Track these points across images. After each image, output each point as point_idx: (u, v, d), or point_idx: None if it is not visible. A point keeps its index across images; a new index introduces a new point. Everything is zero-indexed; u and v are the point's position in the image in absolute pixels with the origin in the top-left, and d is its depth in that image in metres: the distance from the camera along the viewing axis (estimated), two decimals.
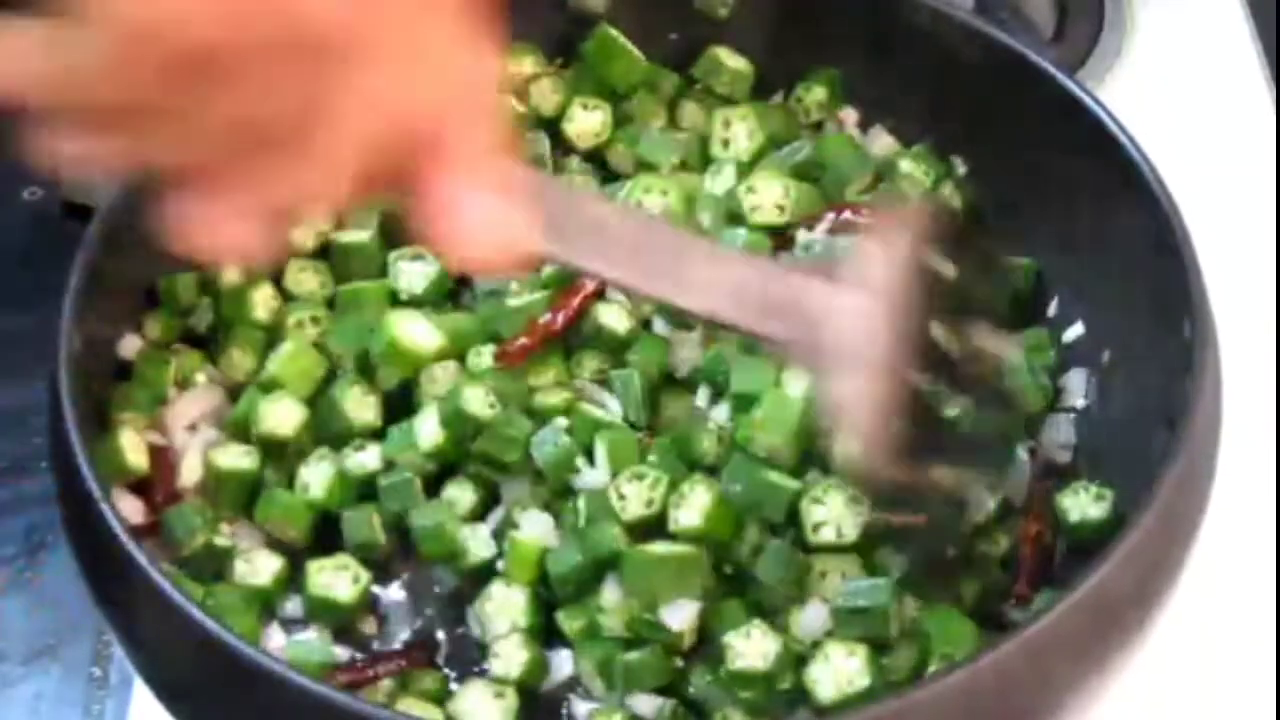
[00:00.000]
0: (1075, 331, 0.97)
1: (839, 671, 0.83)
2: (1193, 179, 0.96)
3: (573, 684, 0.87)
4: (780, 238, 0.98)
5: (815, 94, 1.05)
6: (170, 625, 0.78)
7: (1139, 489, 0.81)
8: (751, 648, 0.84)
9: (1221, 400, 0.87)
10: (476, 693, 0.85)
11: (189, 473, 0.90)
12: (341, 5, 0.58)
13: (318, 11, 0.57)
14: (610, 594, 0.86)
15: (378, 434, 0.92)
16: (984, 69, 0.98)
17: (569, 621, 0.87)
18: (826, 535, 0.87)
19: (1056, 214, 0.97)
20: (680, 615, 0.85)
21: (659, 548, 0.86)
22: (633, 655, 0.85)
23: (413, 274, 0.96)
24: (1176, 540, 0.82)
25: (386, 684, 0.85)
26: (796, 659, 0.84)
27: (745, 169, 1.01)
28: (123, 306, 0.94)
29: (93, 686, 0.94)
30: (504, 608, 0.87)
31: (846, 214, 0.98)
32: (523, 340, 0.93)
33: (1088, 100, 0.94)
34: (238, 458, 0.91)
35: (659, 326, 0.95)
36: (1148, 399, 0.90)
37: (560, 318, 0.93)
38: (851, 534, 0.87)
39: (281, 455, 0.91)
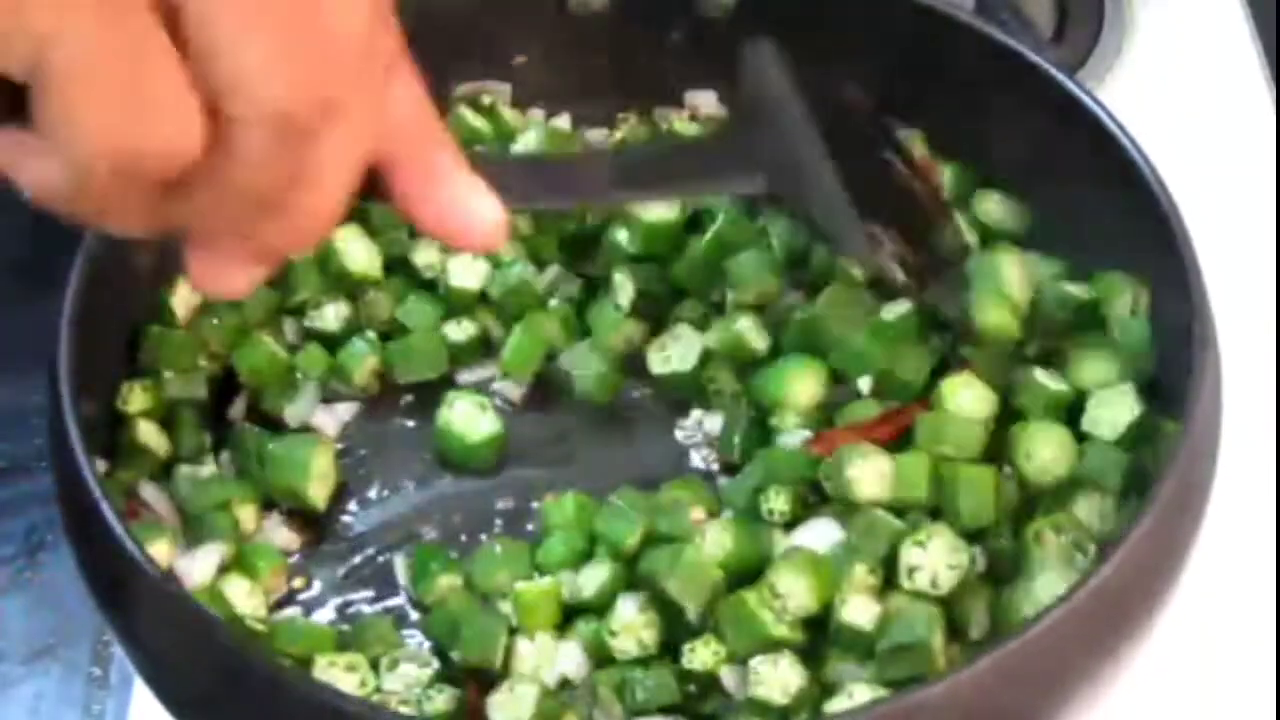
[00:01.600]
0: None
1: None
2: (1193, 179, 0.96)
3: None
4: None
5: None
6: (170, 625, 0.78)
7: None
8: (776, 677, 0.83)
9: (1221, 400, 0.87)
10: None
11: None
12: (307, 85, 0.58)
13: (293, 107, 0.58)
14: (624, 613, 0.86)
15: None
16: (984, 69, 0.98)
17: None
18: (921, 581, 0.85)
19: (1056, 214, 0.97)
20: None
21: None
22: (645, 674, 0.84)
23: None
24: (1176, 540, 0.82)
25: None
26: (820, 693, 0.84)
27: None
28: (124, 307, 0.94)
29: (93, 686, 0.94)
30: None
31: None
32: None
33: (1088, 100, 0.94)
34: None
35: None
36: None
37: None
38: (948, 584, 0.85)
39: None
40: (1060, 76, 0.96)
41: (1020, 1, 1.21)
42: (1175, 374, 0.89)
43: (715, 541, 0.87)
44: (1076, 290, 0.94)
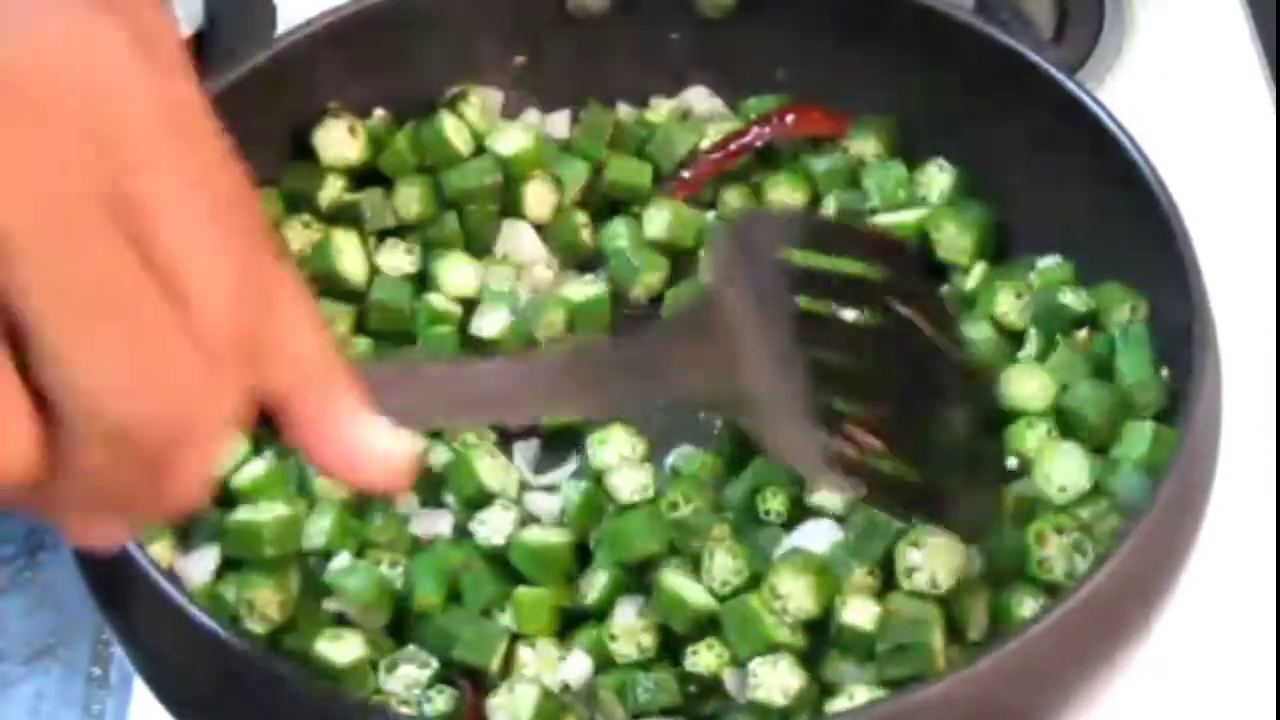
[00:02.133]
0: None
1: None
2: (1193, 179, 0.96)
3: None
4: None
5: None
6: (170, 625, 0.78)
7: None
8: (775, 679, 0.83)
9: (1221, 400, 0.87)
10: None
11: None
12: (150, 401, 0.52)
13: (132, 426, 0.52)
14: (623, 618, 0.86)
15: None
16: (984, 69, 0.98)
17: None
18: (920, 582, 0.85)
19: (1056, 214, 0.97)
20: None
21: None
22: (645, 676, 0.84)
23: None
24: (1176, 540, 0.82)
25: None
26: (820, 692, 0.84)
27: None
28: None
29: (93, 686, 0.94)
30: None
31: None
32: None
33: (1088, 100, 0.94)
34: None
35: None
36: None
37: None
38: (947, 583, 0.85)
39: None
40: (1060, 76, 0.96)
41: (1020, 1, 1.21)
42: (1175, 374, 0.89)
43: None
44: (1075, 301, 0.94)
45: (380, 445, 0.62)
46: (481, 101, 1.04)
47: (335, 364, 0.61)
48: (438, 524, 0.91)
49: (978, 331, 0.94)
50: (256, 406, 0.58)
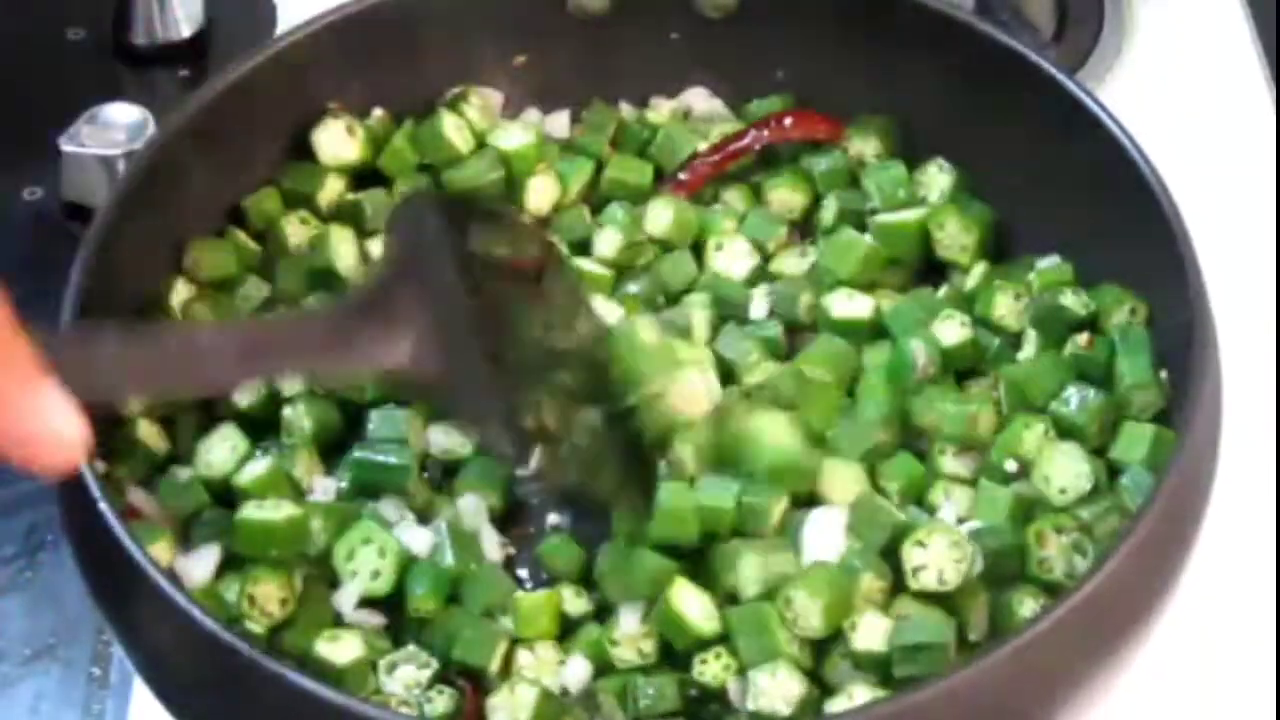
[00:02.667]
0: None
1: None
2: (1193, 179, 0.96)
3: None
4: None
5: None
6: (170, 625, 0.78)
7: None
8: (776, 688, 0.83)
9: (1221, 400, 0.87)
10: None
11: None
12: None
13: None
14: (626, 625, 0.86)
15: None
16: (984, 69, 0.98)
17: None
18: (927, 580, 0.85)
19: (1056, 214, 0.97)
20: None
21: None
22: (646, 682, 0.84)
23: None
24: (1176, 540, 0.82)
25: None
26: (820, 694, 0.84)
27: None
28: (122, 306, 0.94)
29: (93, 686, 0.94)
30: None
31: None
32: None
33: (1088, 100, 0.94)
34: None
35: None
36: None
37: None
38: (954, 581, 0.85)
39: None
40: (1060, 76, 0.96)
41: (1020, 1, 1.21)
42: (1175, 375, 0.89)
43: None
44: (1074, 303, 0.94)
45: (53, 423, 0.63)
46: (481, 101, 1.04)
47: (8, 336, 0.62)
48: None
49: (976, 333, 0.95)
50: None
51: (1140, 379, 0.90)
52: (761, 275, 1.00)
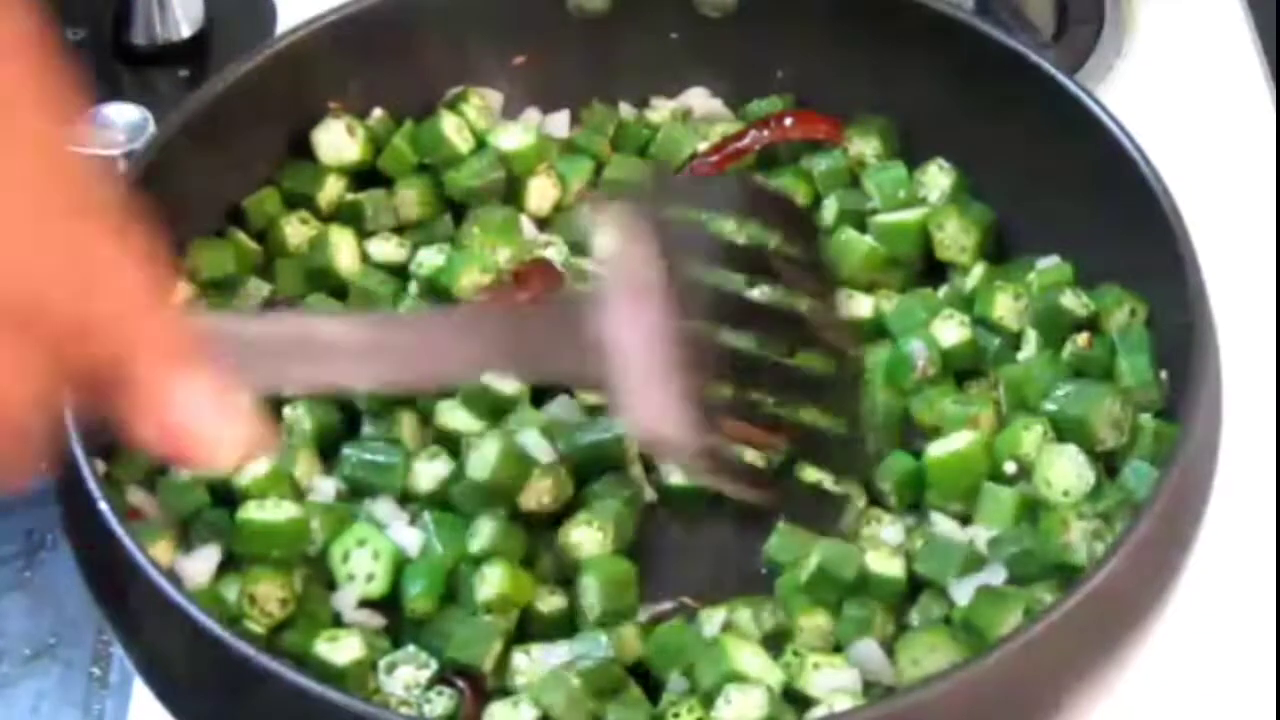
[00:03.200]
0: None
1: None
2: (1193, 179, 0.96)
3: None
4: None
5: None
6: (170, 625, 0.78)
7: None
8: (745, 701, 0.81)
9: (1221, 400, 0.87)
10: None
11: None
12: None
13: None
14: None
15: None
16: (984, 69, 0.99)
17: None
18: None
19: (1056, 214, 0.97)
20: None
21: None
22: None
23: None
24: (1176, 540, 0.82)
25: None
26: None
27: None
28: None
29: (93, 686, 0.94)
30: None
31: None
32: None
33: (1088, 100, 0.94)
34: None
35: None
36: None
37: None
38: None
39: None
40: (1060, 76, 0.96)
41: (1020, 1, 1.21)
42: (1175, 374, 0.89)
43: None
44: (1074, 304, 0.94)
45: (212, 426, 0.61)
46: (481, 101, 1.04)
47: (174, 333, 0.61)
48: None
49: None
50: (83, 376, 0.58)
51: (1140, 379, 0.90)
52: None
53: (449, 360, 0.77)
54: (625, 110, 1.07)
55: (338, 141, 1.01)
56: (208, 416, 0.61)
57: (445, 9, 1.02)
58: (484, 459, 0.89)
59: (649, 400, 0.80)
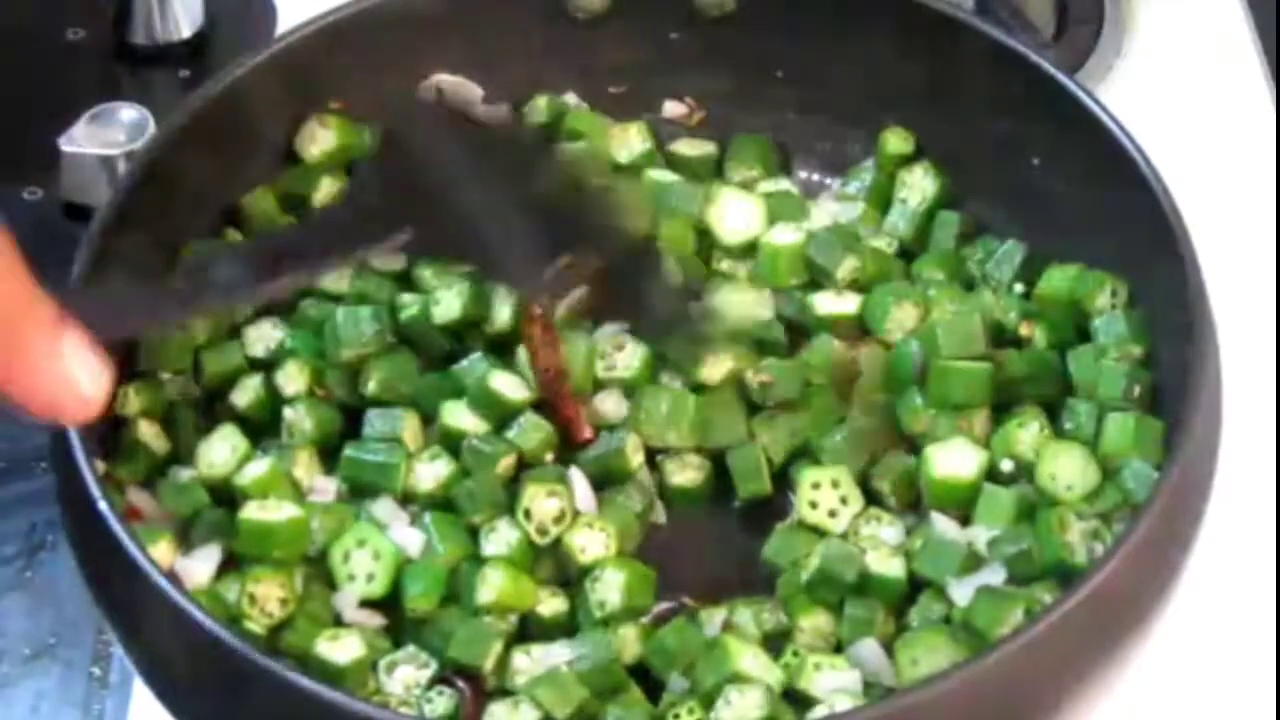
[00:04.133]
0: None
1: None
2: (1193, 179, 0.96)
3: None
4: None
5: None
6: (170, 625, 0.78)
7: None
8: (745, 701, 0.82)
9: (1221, 400, 0.87)
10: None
11: None
12: None
13: None
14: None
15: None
16: (984, 69, 0.98)
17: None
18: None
19: (1055, 214, 0.97)
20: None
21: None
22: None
23: None
24: (1176, 540, 0.82)
25: None
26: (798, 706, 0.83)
27: None
28: None
29: (93, 686, 0.94)
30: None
31: None
32: None
33: (1088, 100, 0.94)
34: None
35: None
36: None
37: None
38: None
39: None
40: (1060, 76, 0.96)
41: (1020, 1, 1.21)
42: (1175, 374, 0.89)
43: None
44: (1072, 302, 0.94)
45: (74, 370, 0.65)
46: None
47: (28, 303, 0.64)
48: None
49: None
50: None
51: (1122, 348, 0.91)
52: None
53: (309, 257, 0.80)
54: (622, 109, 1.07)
55: (311, 138, 1.01)
56: (75, 365, 0.65)
57: (445, 9, 1.02)
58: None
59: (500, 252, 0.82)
